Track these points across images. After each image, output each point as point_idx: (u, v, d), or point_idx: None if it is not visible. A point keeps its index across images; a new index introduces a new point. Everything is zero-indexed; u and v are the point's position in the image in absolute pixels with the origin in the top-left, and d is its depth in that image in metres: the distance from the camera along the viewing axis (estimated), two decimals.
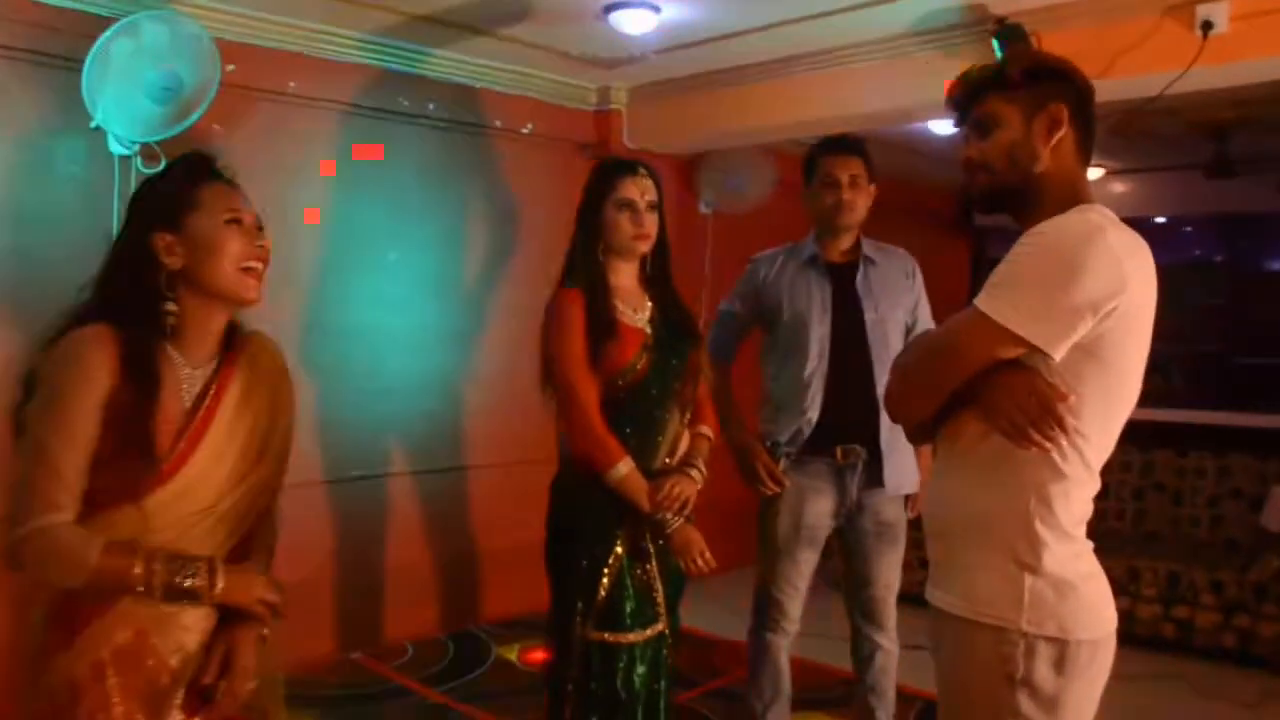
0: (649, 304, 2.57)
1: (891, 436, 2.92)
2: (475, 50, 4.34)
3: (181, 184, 1.70)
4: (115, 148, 3.57)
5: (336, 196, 4.18)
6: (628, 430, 2.45)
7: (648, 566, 2.50)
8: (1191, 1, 3.24)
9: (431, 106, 4.39)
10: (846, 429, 2.93)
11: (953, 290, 8.09)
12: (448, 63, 4.38)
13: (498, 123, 4.63)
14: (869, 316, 2.96)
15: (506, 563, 4.64)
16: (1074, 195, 1.66)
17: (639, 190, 2.50)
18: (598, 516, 2.46)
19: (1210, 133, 5.55)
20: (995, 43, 3.52)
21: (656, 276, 2.59)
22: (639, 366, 2.48)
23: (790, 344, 2.98)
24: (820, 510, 2.97)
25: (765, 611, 3.02)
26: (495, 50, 4.33)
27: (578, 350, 2.43)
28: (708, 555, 2.49)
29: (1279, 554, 4.43)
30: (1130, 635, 4.55)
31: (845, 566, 3.08)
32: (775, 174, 5.23)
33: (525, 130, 4.70)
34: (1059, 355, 1.55)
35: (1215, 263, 7.79)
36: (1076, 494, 1.63)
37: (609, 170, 2.55)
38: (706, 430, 2.65)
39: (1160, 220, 7.84)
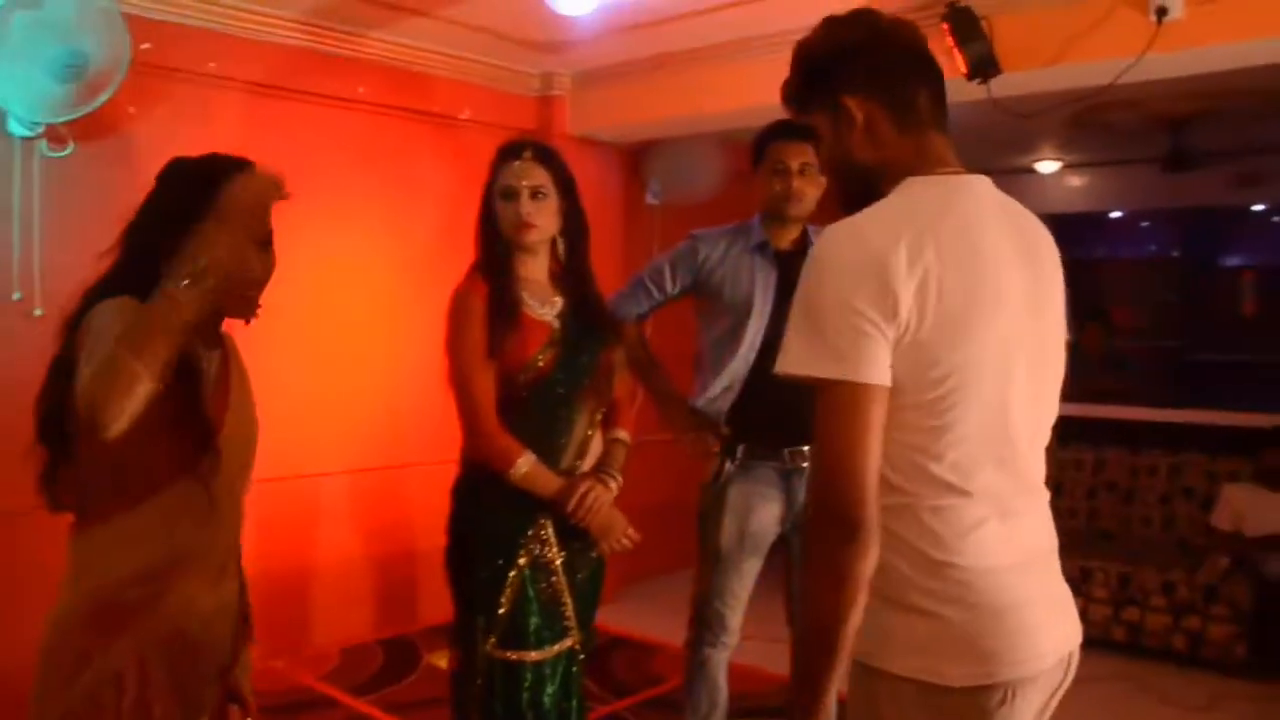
0: (559, 298, 2.41)
1: None
2: (410, 32, 4.16)
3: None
4: (16, 129, 3.37)
5: None
6: (530, 431, 2.29)
7: (554, 579, 2.34)
8: None
9: (363, 90, 4.20)
10: (794, 430, 2.75)
11: None
12: (381, 45, 4.19)
13: (434, 108, 4.44)
14: None
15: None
16: (904, 173, 1.46)
17: (518, 175, 2.34)
18: (499, 525, 2.30)
19: (1167, 126, 5.47)
20: (948, 28, 3.40)
21: (570, 269, 2.44)
22: (542, 363, 2.32)
23: (726, 331, 2.82)
24: (767, 517, 2.81)
25: (705, 625, 2.86)
26: (432, 32, 4.15)
27: (474, 343, 2.27)
28: (630, 532, 2.36)
29: (1228, 554, 4.36)
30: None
31: (790, 575, 2.93)
32: (725, 163, 5.08)
33: (463, 116, 4.52)
34: (876, 378, 1.30)
35: (1171, 258, 7.78)
36: (952, 516, 1.37)
37: (496, 156, 2.40)
38: (623, 434, 2.49)
39: (1117, 214, 7.81)
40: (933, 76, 1.50)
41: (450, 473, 2.43)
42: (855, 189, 1.50)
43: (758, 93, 4.28)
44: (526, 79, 4.75)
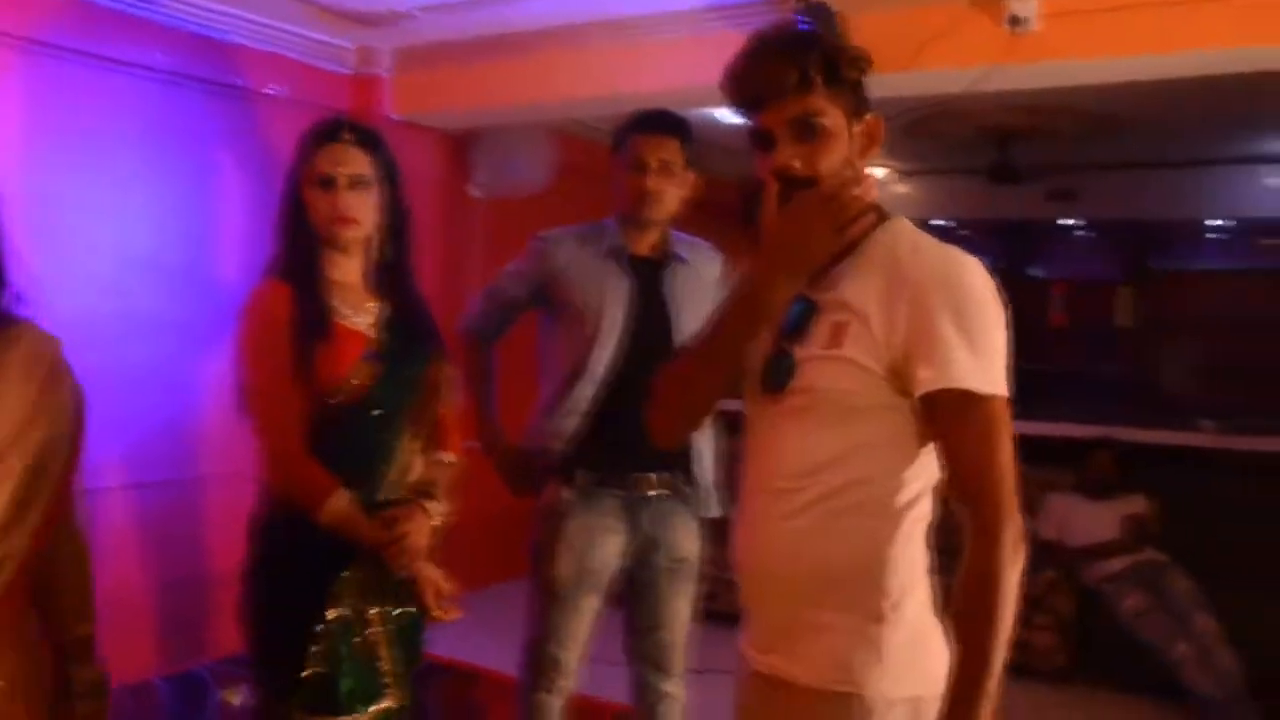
0: (376, 304, 2.09)
1: (700, 458, 2.58)
2: None
3: None
4: None
5: (28, 155, 3.43)
6: (344, 458, 1.97)
7: (369, 632, 2.02)
8: None
9: (159, 56, 3.69)
10: (643, 456, 2.52)
11: None
12: (177, 5, 3.69)
13: (239, 81, 3.97)
14: (675, 322, 2.56)
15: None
16: (877, 207, 1.50)
17: (336, 162, 2.01)
18: (302, 571, 1.96)
19: (996, 138, 5.55)
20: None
21: (388, 270, 2.12)
22: (358, 380, 2.00)
23: (574, 345, 2.55)
24: (609, 551, 2.55)
25: (539, 669, 2.58)
26: None
27: (278, 358, 1.93)
28: (445, 599, 2.07)
29: (1054, 565, 4.42)
30: None
31: (631, 608, 2.68)
32: (557, 156, 4.79)
33: (272, 91, 4.06)
34: None
35: (992, 268, 8.01)
36: (928, 528, 1.46)
37: (306, 137, 2.06)
38: (449, 456, 2.19)
39: (940, 223, 7.98)
40: None
41: (252, 485, 2.07)
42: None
43: (595, 83, 4.08)
44: (342, 53, 4.32)
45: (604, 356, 2.51)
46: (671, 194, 2.53)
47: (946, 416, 1.34)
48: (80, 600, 1.57)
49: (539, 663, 2.57)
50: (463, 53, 4.15)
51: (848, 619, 1.39)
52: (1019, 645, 4.26)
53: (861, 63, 1.43)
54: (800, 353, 1.42)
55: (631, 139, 2.53)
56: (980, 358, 1.32)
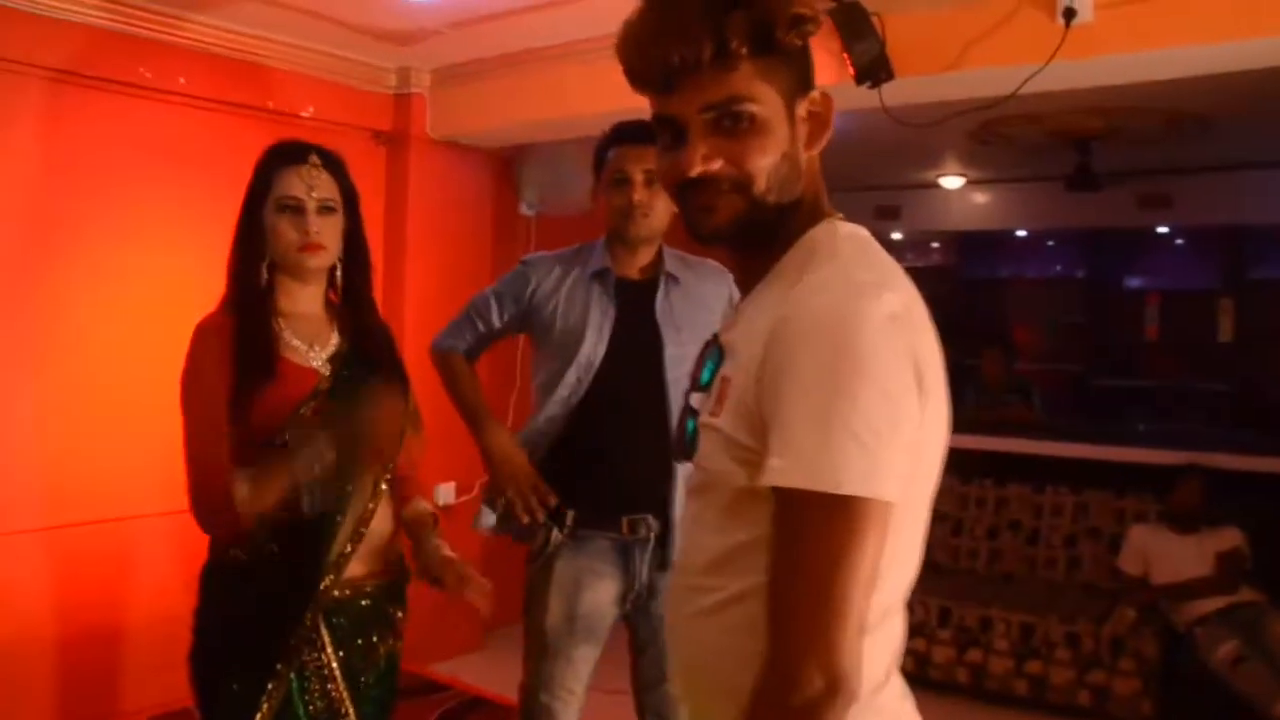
0: (337, 337, 1.96)
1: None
2: (239, 16, 3.63)
3: None
4: None
5: (48, 184, 3.41)
6: (296, 508, 1.82)
7: (330, 689, 1.87)
8: None
9: (183, 81, 3.66)
10: (635, 494, 2.35)
11: None
12: (204, 29, 3.65)
13: (270, 104, 3.91)
14: (669, 351, 2.35)
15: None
16: (815, 204, 1.16)
17: (307, 185, 1.89)
18: (253, 622, 1.82)
19: (1072, 143, 5.22)
20: (838, 27, 3.01)
21: (350, 301, 1.99)
22: (306, 418, 1.85)
23: (554, 375, 2.38)
24: (601, 597, 2.36)
25: None
26: (264, 17, 3.63)
27: (210, 397, 1.80)
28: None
29: (1134, 604, 4.07)
30: (981, 690, 4.24)
31: (635, 662, 2.49)
32: None
33: (305, 114, 4.00)
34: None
35: (1076, 279, 7.60)
36: (879, 647, 1.08)
37: (267, 160, 1.95)
38: (424, 505, 2.06)
39: (1021, 234, 7.60)
40: None
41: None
42: (759, 219, 1.13)
43: (633, 94, 3.90)
44: (380, 74, 4.24)
45: (576, 385, 2.33)
46: (660, 209, 2.33)
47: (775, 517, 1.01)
48: None
49: (532, 714, 2.39)
50: (496, 69, 4.03)
51: None
52: (1097, 691, 4.00)
53: (805, 24, 1.08)
54: (702, 415, 1.14)
55: (613, 153, 2.35)
56: (824, 438, 0.96)
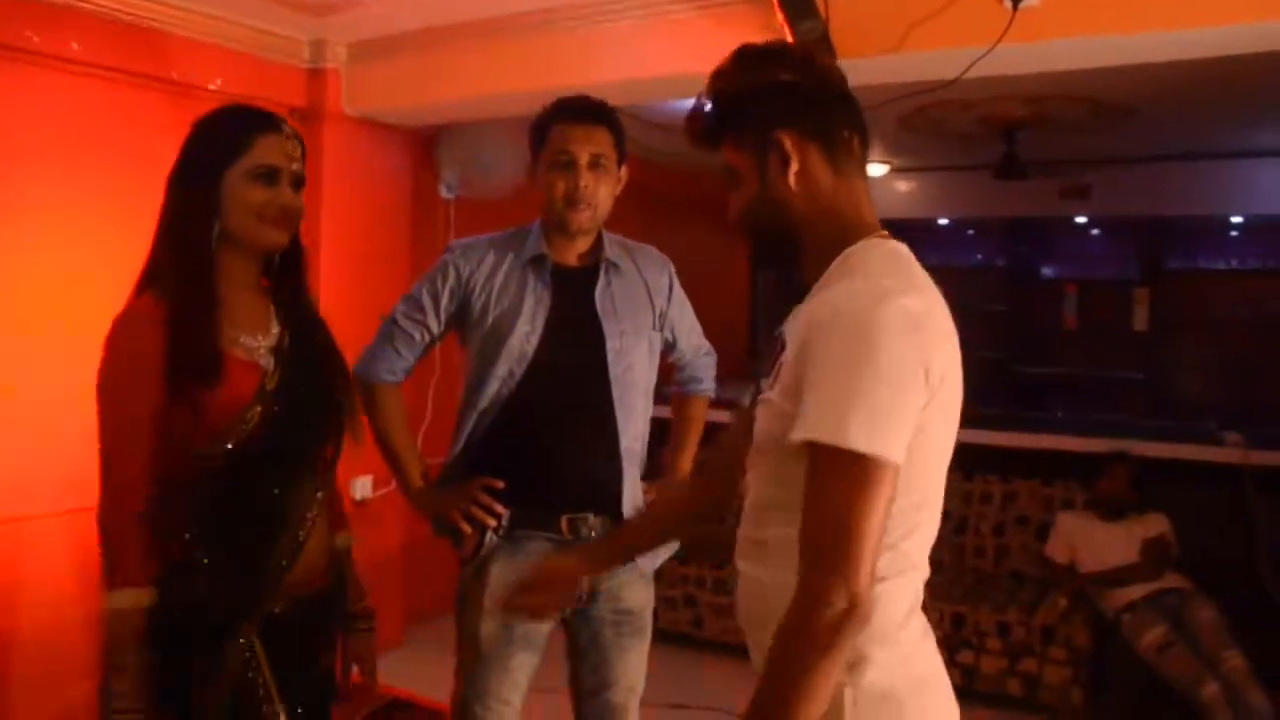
0: (276, 326, 1.77)
1: (635, 500, 2.24)
2: None
3: None
4: None
5: None
6: (233, 522, 1.65)
7: (265, 711, 1.70)
8: None
9: (76, 46, 3.39)
10: (577, 493, 2.22)
11: (733, 290, 7.63)
12: None
13: (174, 74, 3.65)
14: (611, 345, 2.22)
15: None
16: (844, 226, 1.39)
17: (285, 154, 1.71)
18: (181, 641, 1.63)
19: (1000, 131, 5.22)
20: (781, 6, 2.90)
21: (287, 283, 1.81)
22: (249, 423, 1.66)
23: (484, 368, 2.23)
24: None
25: None
26: None
27: (139, 401, 1.60)
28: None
29: (1066, 592, 4.08)
30: None
31: (574, 668, 2.36)
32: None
33: (212, 87, 3.75)
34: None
35: (997, 267, 7.67)
36: (899, 592, 1.32)
37: (236, 123, 1.73)
38: (346, 538, 1.92)
39: (943, 222, 7.64)
40: (861, 122, 1.43)
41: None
42: (774, 243, 1.45)
43: (563, 73, 3.75)
44: (293, 46, 4.00)
45: (506, 376, 2.19)
46: (604, 193, 2.19)
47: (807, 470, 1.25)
48: None
49: None
50: (420, 44, 3.83)
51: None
52: (1028, 680, 3.99)
53: (731, 87, 1.42)
54: (763, 393, 1.38)
55: (555, 130, 2.19)
56: (839, 403, 1.21)
